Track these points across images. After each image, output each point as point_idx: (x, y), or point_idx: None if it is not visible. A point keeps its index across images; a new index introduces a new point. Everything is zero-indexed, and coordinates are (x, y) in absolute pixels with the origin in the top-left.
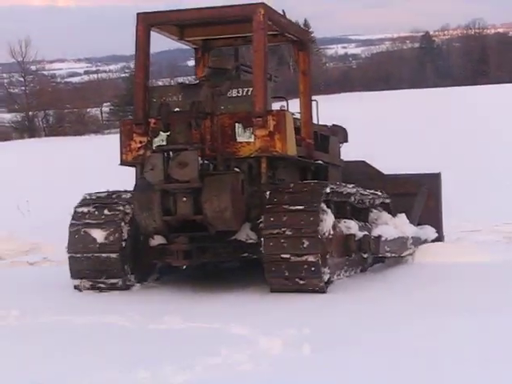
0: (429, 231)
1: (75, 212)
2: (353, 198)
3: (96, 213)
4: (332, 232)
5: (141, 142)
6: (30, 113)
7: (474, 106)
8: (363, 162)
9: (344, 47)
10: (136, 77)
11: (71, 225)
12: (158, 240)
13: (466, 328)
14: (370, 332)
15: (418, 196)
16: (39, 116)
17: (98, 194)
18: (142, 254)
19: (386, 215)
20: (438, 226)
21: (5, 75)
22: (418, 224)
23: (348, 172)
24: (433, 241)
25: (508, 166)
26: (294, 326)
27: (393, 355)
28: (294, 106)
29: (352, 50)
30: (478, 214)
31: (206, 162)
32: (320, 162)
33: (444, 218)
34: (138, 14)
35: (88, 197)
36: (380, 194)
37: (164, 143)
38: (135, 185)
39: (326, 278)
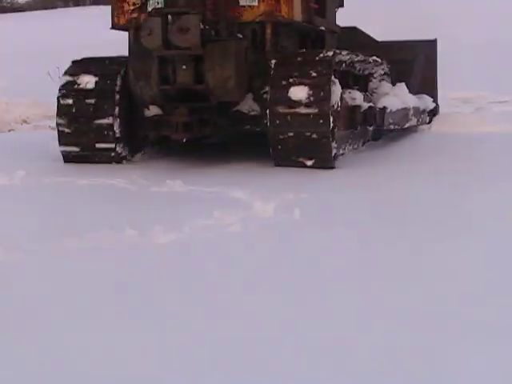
0: (427, 101)
1: (65, 79)
2: (356, 66)
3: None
4: (339, 104)
5: (134, 4)
6: None
7: None
8: (355, 28)
9: None
10: None
11: (59, 91)
12: (153, 110)
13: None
14: (369, 203)
15: (416, 63)
16: None
17: (86, 60)
18: (136, 125)
19: (386, 84)
20: (433, 96)
21: None
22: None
23: (339, 38)
24: (430, 111)
25: None
26: (292, 192)
27: (383, 226)
28: None
29: None
30: (505, 85)
31: (207, 27)
32: (322, 27)
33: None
34: None
35: (77, 62)
36: (379, 60)
37: (161, 6)
38: (129, 51)
39: (333, 152)
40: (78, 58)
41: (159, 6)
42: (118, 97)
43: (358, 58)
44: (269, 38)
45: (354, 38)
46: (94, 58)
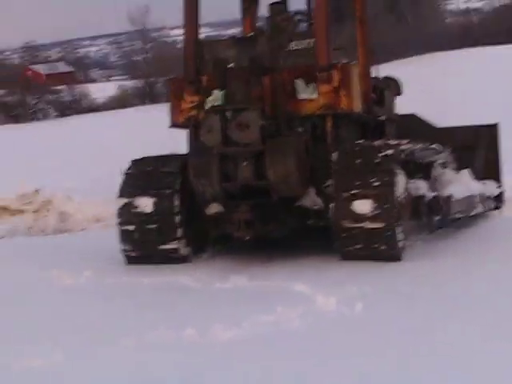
0: (491, 187)
1: (124, 178)
2: (417, 155)
3: (145, 180)
4: (404, 195)
5: (192, 102)
6: (151, 79)
7: None
8: (413, 115)
9: (466, 1)
10: (185, 30)
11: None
12: (214, 208)
13: None
14: (434, 297)
15: (478, 149)
16: (160, 82)
17: (147, 159)
18: (198, 224)
19: (449, 172)
20: (498, 181)
21: (126, 43)
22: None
23: (397, 126)
24: (495, 197)
25: None
26: (356, 286)
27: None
28: None
29: (474, 3)
30: None
31: (266, 122)
32: (382, 117)
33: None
34: None
35: (135, 163)
36: (441, 148)
37: (218, 103)
38: (189, 149)
39: (400, 244)
40: (140, 155)
41: (218, 103)
42: (178, 215)
43: (419, 146)
44: (329, 130)
45: (413, 126)
46: (151, 160)
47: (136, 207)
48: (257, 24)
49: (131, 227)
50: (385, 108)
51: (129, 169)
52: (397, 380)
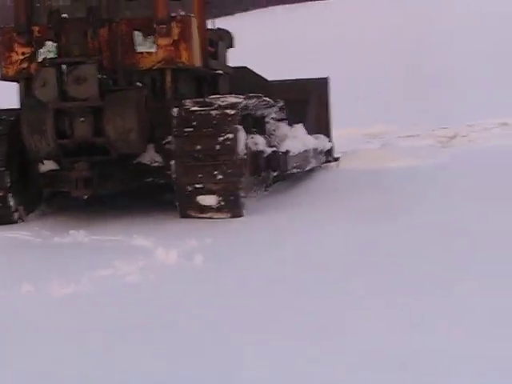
0: (323, 141)
1: None
2: (254, 110)
3: None
4: (245, 151)
5: (24, 54)
6: None
7: None
8: (244, 67)
9: None
10: None
11: None
12: (48, 165)
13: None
14: (272, 246)
15: (309, 103)
16: None
17: None
18: (31, 182)
19: (283, 126)
20: (328, 135)
21: None
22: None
23: (230, 80)
24: (327, 151)
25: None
26: (196, 239)
27: (291, 268)
28: None
29: None
30: (417, 119)
31: (104, 76)
32: (220, 71)
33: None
34: None
35: None
36: (275, 102)
37: (52, 55)
38: (21, 103)
39: (242, 201)
40: None
41: (51, 55)
42: (7, 173)
43: (254, 100)
44: (169, 85)
45: (245, 79)
46: None
47: None
48: None
49: None
50: (219, 61)
51: None
52: (244, 326)
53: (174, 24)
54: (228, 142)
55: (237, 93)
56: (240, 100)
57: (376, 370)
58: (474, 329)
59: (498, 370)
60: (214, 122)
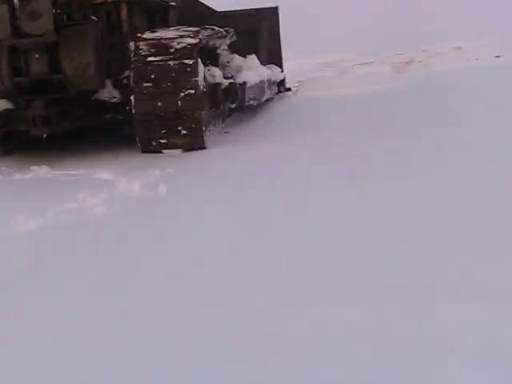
0: (277, 72)
1: None
2: (209, 41)
3: None
4: (204, 83)
5: None
6: None
7: None
8: None
9: None
10: None
11: None
12: (3, 104)
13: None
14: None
15: (260, 33)
16: None
17: None
18: None
19: (237, 57)
20: (280, 66)
21: None
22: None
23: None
24: (280, 82)
25: None
26: (158, 169)
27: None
28: None
29: None
30: (374, 47)
31: (59, 11)
32: (172, 3)
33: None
34: None
35: None
36: (227, 32)
37: None
38: None
39: (205, 134)
40: None
41: None
42: None
43: (208, 32)
44: (125, 18)
45: (193, 10)
46: None
47: None
48: None
49: None
50: None
51: None
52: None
53: None
54: (189, 72)
55: (185, 24)
56: (194, 30)
57: None
58: None
59: None
60: (174, 52)
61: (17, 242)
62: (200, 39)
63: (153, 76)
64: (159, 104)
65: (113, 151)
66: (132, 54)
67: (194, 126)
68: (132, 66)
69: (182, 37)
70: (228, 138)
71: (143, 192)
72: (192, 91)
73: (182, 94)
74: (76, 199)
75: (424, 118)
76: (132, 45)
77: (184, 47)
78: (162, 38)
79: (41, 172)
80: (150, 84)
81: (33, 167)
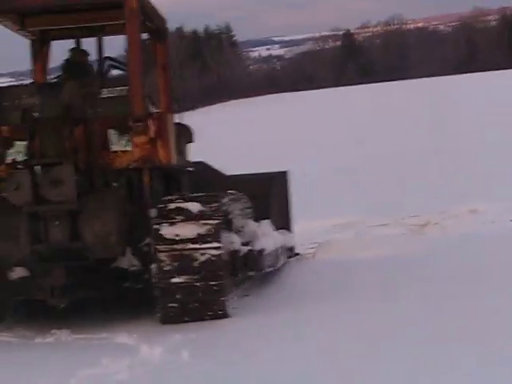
0: (289, 237)
1: None
2: (226, 206)
3: None
4: (224, 251)
5: None
6: None
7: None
8: (201, 162)
9: (268, 49)
10: None
11: None
12: (19, 272)
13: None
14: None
15: (271, 197)
16: None
17: None
18: None
19: (251, 222)
20: (289, 230)
21: None
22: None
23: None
24: (290, 248)
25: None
26: (179, 333)
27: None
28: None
29: (276, 51)
30: (388, 208)
31: (80, 177)
32: (188, 168)
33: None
34: None
35: None
36: (241, 196)
37: (21, 156)
38: None
39: (227, 303)
40: None
41: (20, 156)
42: None
43: (226, 197)
44: (146, 185)
45: (202, 174)
46: None
47: None
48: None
49: None
50: (181, 156)
51: None
52: None
53: (150, 121)
54: (209, 239)
55: (197, 188)
56: (215, 196)
57: None
58: None
59: None
60: (196, 218)
61: None
62: (221, 208)
63: (174, 245)
64: (182, 271)
65: (133, 314)
66: (152, 222)
67: (215, 295)
68: (153, 233)
69: (201, 203)
70: (249, 303)
71: (165, 357)
72: (214, 259)
73: (204, 260)
74: (99, 365)
75: (445, 287)
76: (154, 212)
77: (204, 214)
78: (182, 204)
79: (62, 335)
80: (172, 253)
81: (53, 330)
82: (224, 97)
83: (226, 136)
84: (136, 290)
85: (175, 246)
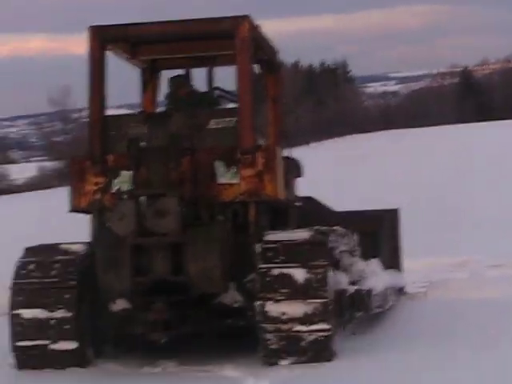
0: (399, 277)
1: (17, 270)
2: (335, 244)
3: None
4: (332, 290)
5: (97, 184)
6: None
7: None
8: (310, 197)
9: (384, 85)
10: (90, 104)
11: (14, 284)
12: (120, 304)
13: None
14: None
15: (382, 235)
16: None
17: (40, 248)
18: (100, 323)
19: (359, 261)
20: (399, 269)
21: (46, 124)
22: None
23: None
24: (400, 289)
25: None
26: (287, 367)
27: None
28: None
29: (391, 87)
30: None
31: (185, 209)
32: (297, 203)
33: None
34: (90, 27)
35: (29, 252)
36: (348, 234)
37: (127, 185)
38: (93, 237)
39: (334, 347)
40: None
41: (125, 186)
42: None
43: (335, 234)
44: (252, 219)
45: (311, 209)
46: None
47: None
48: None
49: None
50: (289, 190)
51: (22, 258)
52: None
53: (258, 154)
54: (319, 279)
55: (305, 223)
56: (326, 233)
57: None
58: None
59: None
60: (301, 255)
61: None
62: (330, 244)
63: (281, 284)
64: (288, 313)
65: (239, 348)
66: (257, 257)
67: (323, 339)
68: (259, 271)
69: (311, 239)
70: (352, 348)
71: None
72: (323, 301)
73: (313, 305)
74: None
75: None
76: (258, 247)
77: (313, 251)
78: (289, 240)
79: (169, 366)
80: (279, 293)
81: (161, 360)
82: (338, 132)
83: (339, 171)
84: (239, 327)
85: (282, 290)
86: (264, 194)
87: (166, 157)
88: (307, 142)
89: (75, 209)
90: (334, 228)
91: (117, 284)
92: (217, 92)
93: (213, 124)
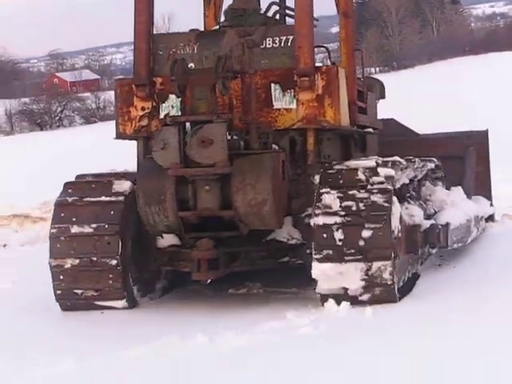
0: (485, 205)
1: (56, 206)
2: (410, 176)
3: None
4: (399, 227)
5: (144, 109)
6: None
7: None
8: (392, 119)
9: (492, 6)
10: (136, 22)
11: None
12: (168, 240)
13: None
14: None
15: (467, 160)
16: None
17: (86, 179)
18: (147, 259)
19: (440, 190)
20: (488, 197)
21: None
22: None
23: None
24: (488, 217)
25: None
26: None
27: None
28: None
29: (500, 8)
30: None
31: (235, 137)
32: (370, 129)
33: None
34: None
35: (71, 184)
36: (430, 160)
37: (175, 111)
38: (138, 167)
39: (396, 286)
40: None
41: (174, 111)
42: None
43: (411, 164)
44: (311, 148)
45: (393, 133)
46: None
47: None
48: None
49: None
50: (368, 116)
51: (60, 196)
52: None
53: (318, 76)
54: (382, 216)
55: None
56: (393, 164)
57: None
58: None
59: None
60: (365, 190)
61: (224, 360)
62: (395, 177)
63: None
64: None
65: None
66: (316, 189)
67: (383, 278)
68: (316, 204)
69: (372, 172)
70: (424, 285)
71: (350, 314)
72: (384, 238)
73: (375, 241)
74: (284, 318)
75: None
76: (317, 178)
77: (377, 187)
78: (350, 172)
79: (254, 288)
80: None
81: (247, 282)
82: (443, 55)
83: (433, 93)
84: (296, 265)
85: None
86: (324, 120)
87: (212, 80)
88: (412, 65)
89: (121, 136)
90: (412, 157)
91: (161, 219)
92: (274, 7)
93: (269, 43)
